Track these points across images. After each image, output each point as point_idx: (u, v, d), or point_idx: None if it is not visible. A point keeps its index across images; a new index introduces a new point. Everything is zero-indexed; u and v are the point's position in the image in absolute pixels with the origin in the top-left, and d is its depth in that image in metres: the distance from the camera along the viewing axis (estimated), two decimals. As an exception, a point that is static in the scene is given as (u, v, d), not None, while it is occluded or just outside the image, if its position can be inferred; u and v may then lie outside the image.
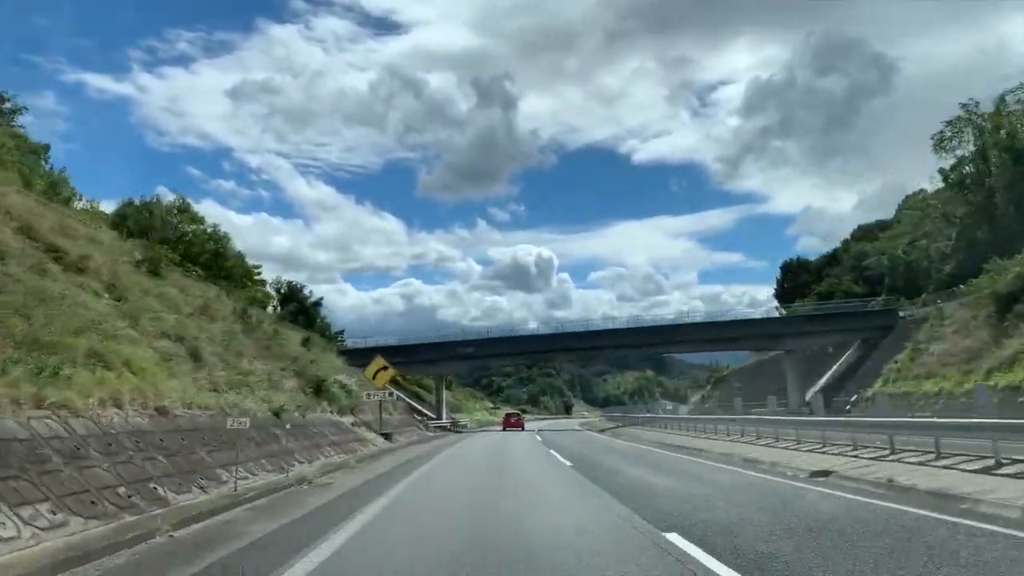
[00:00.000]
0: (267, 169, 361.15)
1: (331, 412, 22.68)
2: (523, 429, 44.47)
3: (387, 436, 25.88)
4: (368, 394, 26.27)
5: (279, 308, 62.48)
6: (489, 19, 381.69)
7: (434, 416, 47.81)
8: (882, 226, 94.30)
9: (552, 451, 20.30)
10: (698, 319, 47.82)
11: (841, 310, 48.27)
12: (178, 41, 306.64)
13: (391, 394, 26.64)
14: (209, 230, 34.08)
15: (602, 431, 41.78)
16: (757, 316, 51.07)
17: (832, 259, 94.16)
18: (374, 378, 26.32)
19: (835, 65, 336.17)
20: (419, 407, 50.57)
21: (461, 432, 46.40)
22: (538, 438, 30.90)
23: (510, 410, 61.66)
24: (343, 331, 65.41)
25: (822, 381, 46.80)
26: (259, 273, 41.05)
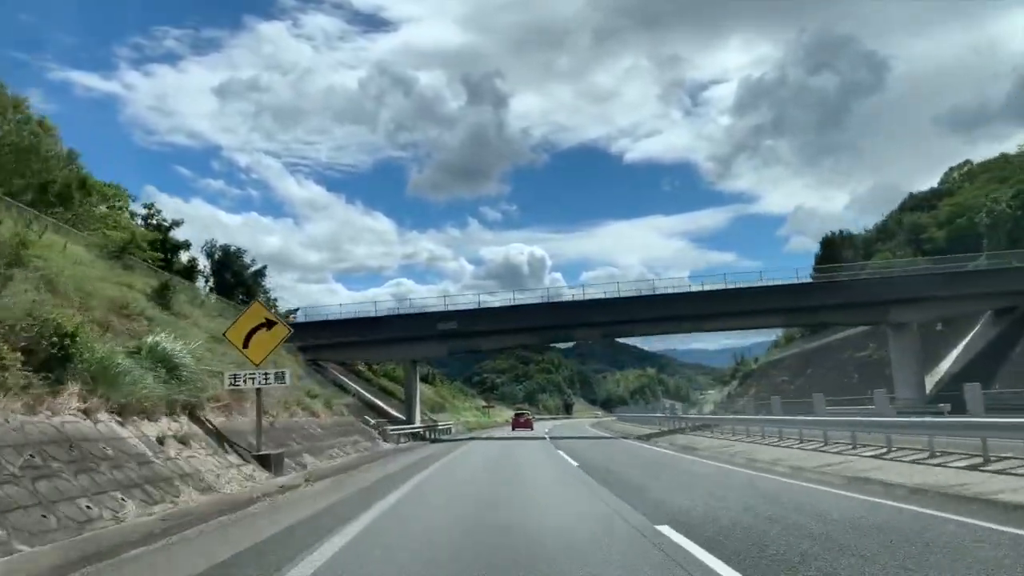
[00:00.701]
0: (256, 168, 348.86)
1: (94, 412, 9.38)
2: (532, 429, 45.67)
3: (267, 463, 12.60)
4: (233, 378, 12.99)
5: (211, 277, 49.92)
6: (479, 16, 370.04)
7: (403, 417, 34.42)
8: (938, 194, 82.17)
9: (671, 532, 6.73)
10: (775, 281, 34.37)
11: (956, 269, 35.01)
12: (165, 38, 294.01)
13: (280, 376, 13.22)
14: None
15: (645, 439, 28.62)
16: (860, 275, 37.67)
17: (882, 232, 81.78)
18: (246, 346, 13.02)
19: (827, 63, 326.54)
20: (384, 405, 37.21)
21: (440, 440, 33.04)
22: (572, 462, 17.37)
23: (518, 409, 62.50)
24: (297, 310, 52.80)
25: (945, 367, 33.80)
26: (124, 199, 27.37)
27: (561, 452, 20.56)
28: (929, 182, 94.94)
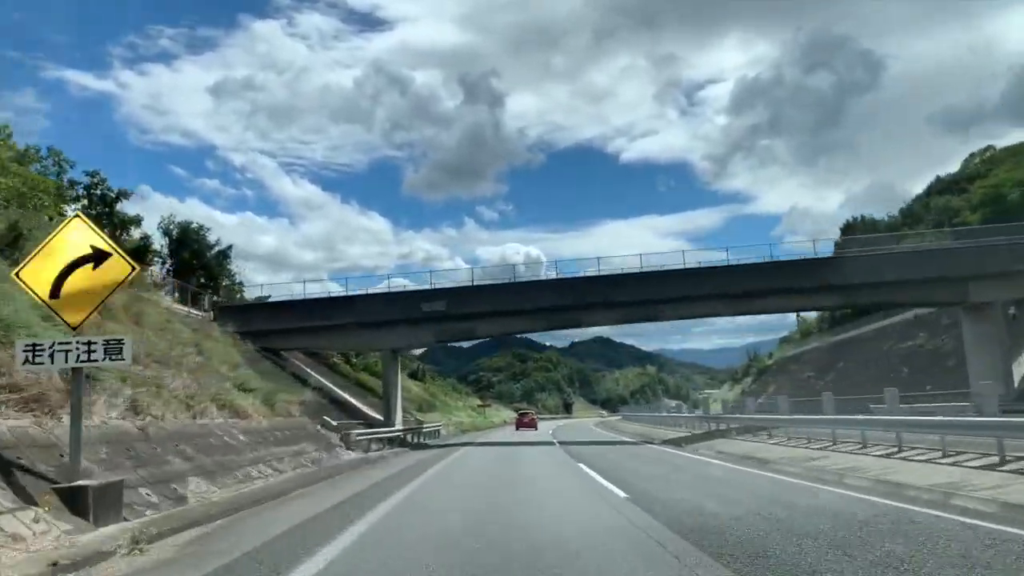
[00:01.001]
0: (251, 167, 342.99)
1: None
2: (536, 429, 45.92)
3: (81, 502, 6.86)
4: (31, 351, 7.27)
5: (168, 258, 44.30)
6: (476, 15, 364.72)
7: (381, 418, 28.64)
8: (969, 177, 76.97)
9: None
10: (844, 253, 28.27)
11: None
12: (160, 38, 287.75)
13: (115, 348, 7.52)
14: None
15: (677, 444, 22.99)
16: (941, 244, 31.89)
17: (908, 217, 76.33)
18: (55, 295, 7.41)
19: (824, 62, 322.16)
20: (358, 403, 31.45)
21: (426, 445, 27.29)
22: (616, 490, 11.55)
23: (521, 408, 64.53)
24: (268, 296, 47.28)
25: (1032, 356, 28.23)
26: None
27: (583, 467, 14.92)
28: (925, 181, 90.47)
